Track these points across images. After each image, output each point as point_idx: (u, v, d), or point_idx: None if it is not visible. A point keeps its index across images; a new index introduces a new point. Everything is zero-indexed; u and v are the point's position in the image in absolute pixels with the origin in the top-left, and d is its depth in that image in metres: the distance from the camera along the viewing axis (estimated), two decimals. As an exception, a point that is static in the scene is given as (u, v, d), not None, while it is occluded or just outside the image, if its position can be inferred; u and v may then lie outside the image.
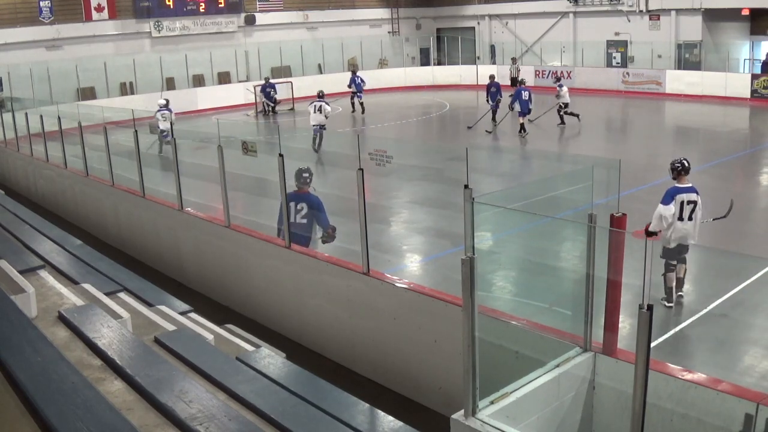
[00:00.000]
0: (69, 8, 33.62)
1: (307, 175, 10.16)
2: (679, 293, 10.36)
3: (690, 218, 10.08)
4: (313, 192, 10.17)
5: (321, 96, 25.20)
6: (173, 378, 5.23)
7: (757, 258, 11.87)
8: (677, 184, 10.24)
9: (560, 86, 27.14)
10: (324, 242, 10.23)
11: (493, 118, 27.94)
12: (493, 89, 27.90)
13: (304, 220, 10.05)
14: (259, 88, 34.05)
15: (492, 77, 28.55)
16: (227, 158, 11.18)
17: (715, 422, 5.26)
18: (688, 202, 10.07)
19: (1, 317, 5.40)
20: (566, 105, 26.93)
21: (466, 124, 28.07)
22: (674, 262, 10.22)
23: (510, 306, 9.80)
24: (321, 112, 24.37)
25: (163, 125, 21.04)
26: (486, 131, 26.64)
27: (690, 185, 10.26)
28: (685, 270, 10.43)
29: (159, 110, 24.09)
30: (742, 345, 9.38)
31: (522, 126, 25.59)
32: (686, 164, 10.29)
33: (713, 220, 10.97)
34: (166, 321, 7.79)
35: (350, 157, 8.73)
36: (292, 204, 9.94)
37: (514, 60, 38.10)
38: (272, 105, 33.09)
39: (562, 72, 36.75)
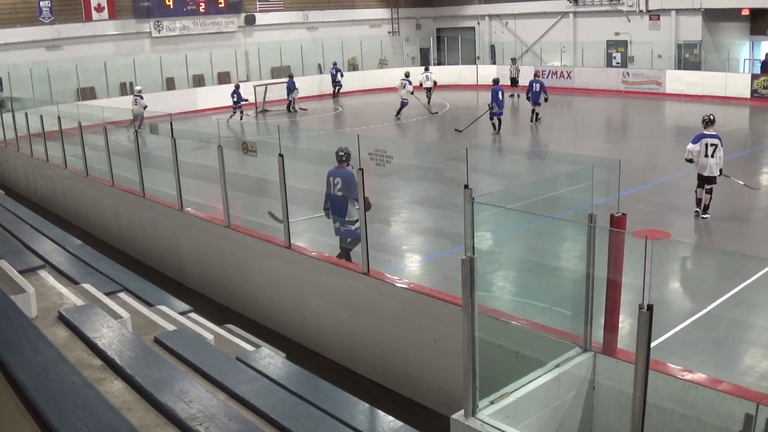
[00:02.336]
0: (69, 8, 33.61)
1: (342, 153, 11.01)
2: (704, 216, 14.35)
3: (712, 155, 14.21)
4: (350, 169, 10.92)
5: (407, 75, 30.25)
6: (173, 378, 5.23)
7: (757, 258, 11.87)
8: (704, 131, 14.41)
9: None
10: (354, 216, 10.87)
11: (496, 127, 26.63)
12: (500, 95, 26.38)
13: (340, 193, 10.97)
14: (262, 88, 34.16)
15: (496, 81, 27.15)
16: (227, 158, 11.19)
17: (715, 422, 5.26)
18: (711, 145, 14.22)
19: (1, 317, 5.41)
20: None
21: (465, 124, 28.03)
22: (701, 187, 14.39)
23: (510, 306, 9.79)
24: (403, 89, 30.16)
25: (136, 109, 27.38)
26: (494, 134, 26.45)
27: (714, 133, 14.36)
28: (710, 198, 14.36)
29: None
30: (742, 345, 9.38)
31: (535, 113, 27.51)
32: (712, 118, 14.60)
33: (744, 184, 15.50)
34: (166, 321, 7.79)
35: (350, 157, 8.74)
36: (330, 179, 11.03)
37: (513, 60, 38.03)
38: (237, 108, 32.73)
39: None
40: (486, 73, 41.92)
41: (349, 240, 10.95)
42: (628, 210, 5.97)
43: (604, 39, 38.57)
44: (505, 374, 5.73)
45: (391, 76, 41.53)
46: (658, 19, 36.76)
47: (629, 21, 37.65)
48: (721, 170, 14.38)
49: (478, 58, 43.92)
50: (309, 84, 37.31)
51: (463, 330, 5.39)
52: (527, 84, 28.90)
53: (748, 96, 32.51)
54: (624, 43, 38.19)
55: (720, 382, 5.63)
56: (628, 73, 36.79)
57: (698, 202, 14.49)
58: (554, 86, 32.86)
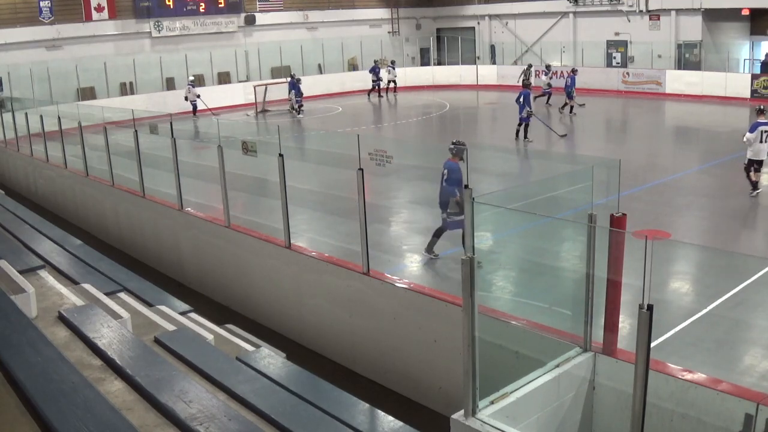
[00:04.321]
0: (69, 8, 33.60)
1: (452, 146, 12.06)
2: (754, 193, 15.91)
3: (765, 141, 15.78)
4: (459, 162, 11.87)
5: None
6: (173, 378, 5.23)
7: (757, 258, 11.87)
8: (759, 120, 15.98)
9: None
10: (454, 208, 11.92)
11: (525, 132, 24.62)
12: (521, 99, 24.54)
13: (445, 184, 11.88)
14: (262, 88, 34.24)
15: (528, 85, 25.12)
16: (227, 158, 11.20)
17: (715, 422, 5.26)
18: (765, 131, 15.78)
19: (1, 317, 5.41)
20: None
21: (468, 124, 28.00)
22: (752, 169, 15.97)
23: (510, 306, 9.80)
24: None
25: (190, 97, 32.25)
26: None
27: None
28: (759, 175, 16.09)
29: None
30: (743, 345, 9.37)
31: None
32: (763, 107, 16.34)
33: None
34: (166, 321, 7.79)
35: (350, 157, 8.74)
36: (443, 171, 12.10)
37: (529, 66, 37.41)
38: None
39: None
40: (485, 73, 41.98)
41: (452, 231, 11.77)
42: (628, 210, 5.97)
43: (604, 39, 38.55)
44: (505, 374, 5.73)
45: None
46: (658, 19, 36.75)
47: (629, 21, 37.64)
48: None
49: (478, 58, 43.90)
50: (310, 84, 37.22)
51: (463, 330, 5.39)
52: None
53: (748, 96, 32.49)
54: (624, 43, 38.17)
55: (720, 382, 5.63)
56: (628, 73, 36.78)
57: (755, 184, 16.02)
58: (554, 86, 32.79)
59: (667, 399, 5.48)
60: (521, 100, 23.75)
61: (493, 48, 43.77)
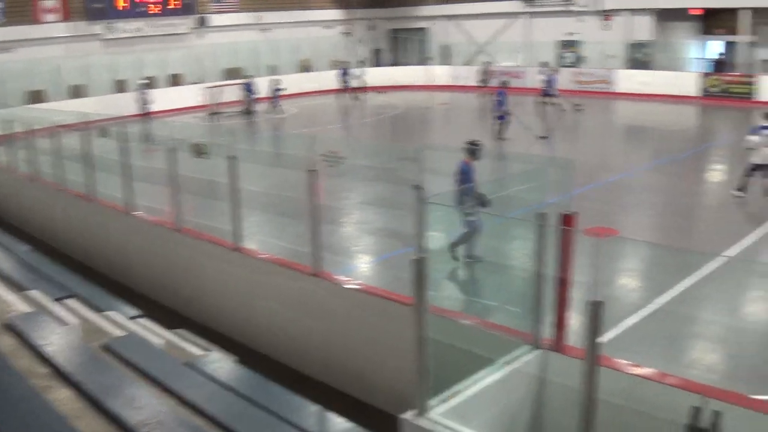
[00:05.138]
0: (20, 10, 33.01)
1: (464, 146, 11.94)
2: (738, 193, 15.48)
3: None
4: (469, 162, 11.81)
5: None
6: (122, 384, 5.18)
7: (701, 253, 12.06)
8: (762, 123, 15.35)
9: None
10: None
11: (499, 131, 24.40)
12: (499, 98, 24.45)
13: (456, 184, 11.75)
14: (215, 90, 34.04)
15: (504, 83, 25.22)
16: (179, 161, 11.10)
17: (664, 416, 5.34)
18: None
19: (-57, 326, 5.31)
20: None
21: (422, 124, 28.03)
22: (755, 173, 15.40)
23: (461, 305, 9.84)
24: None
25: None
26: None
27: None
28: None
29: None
30: (689, 339, 9.54)
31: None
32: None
33: None
34: (115, 327, 7.71)
35: (304, 159, 8.73)
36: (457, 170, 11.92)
37: (487, 64, 37.80)
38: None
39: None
40: (439, 73, 42.09)
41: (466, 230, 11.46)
42: (580, 208, 6.03)
43: (557, 39, 38.89)
44: (456, 373, 5.75)
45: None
46: (611, 19, 37.17)
47: (581, 21, 38.00)
48: None
49: (431, 58, 44.04)
50: (265, 85, 37.00)
51: (414, 330, 5.41)
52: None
53: (698, 95, 33.05)
54: (576, 44, 38.54)
55: (668, 376, 5.73)
56: (580, 73, 37.16)
57: (744, 188, 15.52)
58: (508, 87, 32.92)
59: (616, 394, 5.55)
60: (498, 99, 23.92)
61: (445, 48, 43.90)
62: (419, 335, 5.38)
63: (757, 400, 5.82)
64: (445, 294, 9.89)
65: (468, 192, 11.55)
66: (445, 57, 43.65)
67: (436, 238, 6.40)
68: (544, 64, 34.95)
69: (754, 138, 15.33)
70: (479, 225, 11.34)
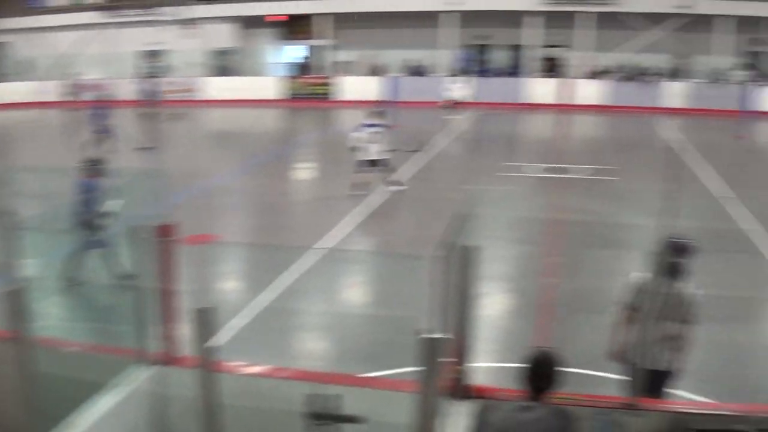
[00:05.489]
0: None
1: (83, 164, 11.37)
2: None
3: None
4: (91, 179, 11.08)
5: None
6: None
7: (297, 248, 12.63)
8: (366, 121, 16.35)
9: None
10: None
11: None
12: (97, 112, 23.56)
13: (82, 204, 10.84)
14: None
15: (100, 96, 24.73)
16: None
17: (282, 407, 5.51)
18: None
19: None
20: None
21: (7, 144, 25.77)
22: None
23: (63, 332, 9.24)
24: None
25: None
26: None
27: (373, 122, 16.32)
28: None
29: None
30: (299, 331, 9.95)
31: None
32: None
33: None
34: None
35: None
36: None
37: (75, 77, 35.63)
38: None
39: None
40: (19, 89, 38.63)
41: None
42: (179, 217, 5.97)
43: (140, 49, 38.27)
44: (67, 405, 5.39)
45: None
46: (195, 27, 37.43)
47: (165, 31, 37.77)
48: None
49: (11, 74, 40.70)
50: None
51: (13, 366, 4.96)
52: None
53: (284, 97, 34.68)
54: (161, 53, 38.25)
55: (283, 370, 5.93)
56: (165, 83, 36.88)
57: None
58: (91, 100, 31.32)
59: (236, 396, 5.58)
60: (95, 113, 23.07)
61: (30, 63, 40.76)
62: (21, 371, 4.95)
63: (369, 378, 6.27)
64: (50, 323, 9.21)
65: (89, 210, 10.78)
66: (30, 72, 40.55)
67: (36, 265, 5.94)
68: (149, 74, 34.31)
69: (358, 135, 16.23)
70: (105, 243, 10.70)
